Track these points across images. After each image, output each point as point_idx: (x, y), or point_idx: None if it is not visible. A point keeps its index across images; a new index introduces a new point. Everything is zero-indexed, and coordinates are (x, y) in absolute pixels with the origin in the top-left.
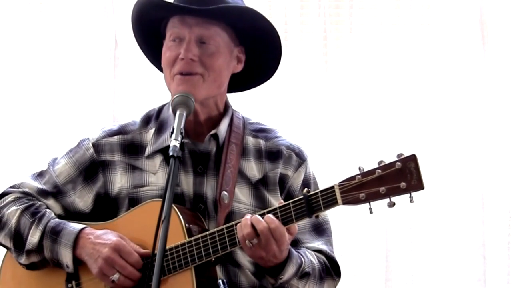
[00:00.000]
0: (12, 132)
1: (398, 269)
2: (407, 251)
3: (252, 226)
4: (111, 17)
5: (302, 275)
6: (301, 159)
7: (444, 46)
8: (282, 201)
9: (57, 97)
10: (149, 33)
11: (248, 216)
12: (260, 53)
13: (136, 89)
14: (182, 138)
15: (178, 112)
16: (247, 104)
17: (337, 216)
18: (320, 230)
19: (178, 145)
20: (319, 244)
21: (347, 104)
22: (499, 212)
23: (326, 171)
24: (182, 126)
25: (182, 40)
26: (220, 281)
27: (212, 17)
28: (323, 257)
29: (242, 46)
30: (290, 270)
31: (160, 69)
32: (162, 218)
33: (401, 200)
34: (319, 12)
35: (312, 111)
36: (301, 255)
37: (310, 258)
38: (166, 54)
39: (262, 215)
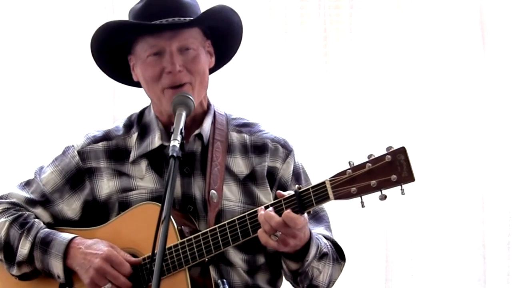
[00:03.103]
0: (12, 132)
1: (398, 269)
2: (407, 251)
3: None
4: (111, 17)
5: (321, 256)
6: (288, 150)
7: (444, 46)
8: (271, 197)
9: (57, 97)
10: (113, 52)
11: (262, 211)
12: (224, 42)
13: (136, 89)
14: (183, 138)
15: (177, 112)
16: (246, 104)
17: (337, 217)
18: (318, 217)
19: (178, 145)
20: (321, 230)
21: (347, 103)
22: (499, 212)
23: (326, 170)
24: (181, 126)
25: (163, 53)
26: (220, 281)
27: (188, 26)
28: (329, 242)
29: (209, 39)
30: (312, 250)
31: (122, 81)
32: (162, 218)
33: (401, 200)
34: (319, 12)
35: (312, 111)
36: (316, 236)
37: (323, 240)
38: (148, 70)
39: (254, 212)
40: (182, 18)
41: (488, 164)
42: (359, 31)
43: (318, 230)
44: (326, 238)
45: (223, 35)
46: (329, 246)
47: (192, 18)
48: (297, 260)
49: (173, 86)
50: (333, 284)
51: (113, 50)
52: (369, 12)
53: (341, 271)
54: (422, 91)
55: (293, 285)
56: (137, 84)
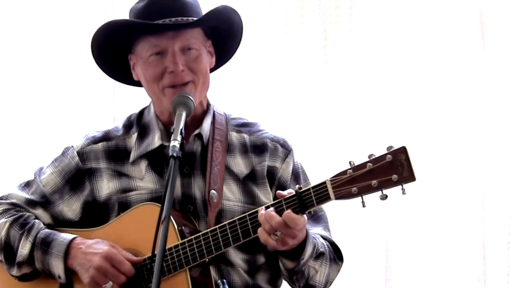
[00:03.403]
0: (12, 132)
1: (398, 269)
2: (407, 251)
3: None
4: (111, 17)
5: (317, 255)
6: (287, 150)
7: (444, 46)
8: (271, 196)
9: (57, 97)
10: (113, 52)
11: (263, 211)
12: (224, 41)
13: (136, 89)
14: (182, 138)
15: (177, 112)
16: (246, 104)
17: (337, 216)
18: (317, 217)
19: (178, 145)
20: (319, 230)
21: (347, 103)
22: (499, 212)
23: (327, 169)
24: (181, 126)
25: (165, 53)
26: (220, 281)
27: (191, 26)
28: (327, 242)
29: (210, 39)
30: (308, 249)
31: (121, 81)
32: (162, 218)
33: (401, 199)
34: (319, 12)
35: (312, 111)
36: (313, 236)
37: (320, 239)
38: (149, 70)
39: (255, 212)
40: (185, 18)
41: (488, 164)
42: (359, 31)
43: (316, 230)
44: (324, 238)
45: (224, 35)
46: (326, 246)
47: (195, 19)
48: (293, 258)
49: (174, 85)
50: (330, 284)
51: (113, 49)
52: (369, 12)
53: (338, 271)
54: (422, 91)
55: (290, 285)
56: (137, 83)
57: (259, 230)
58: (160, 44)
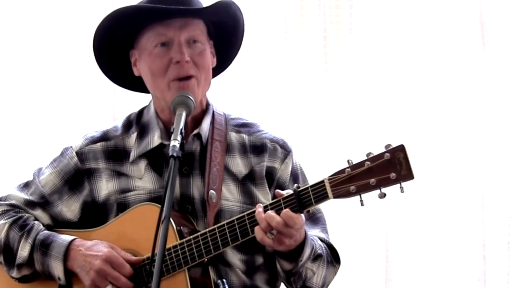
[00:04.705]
0: (12, 132)
1: (398, 269)
2: (407, 251)
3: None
4: None
5: (315, 257)
6: (286, 150)
7: (444, 46)
8: (270, 197)
9: (57, 97)
10: (114, 48)
11: (260, 209)
12: (225, 43)
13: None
14: (182, 138)
15: (177, 112)
16: (246, 104)
17: (336, 216)
18: (315, 219)
19: (178, 145)
20: (316, 232)
21: (347, 103)
22: (499, 212)
23: (326, 168)
24: (181, 126)
25: (171, 43)
26: (220, 281)
27: (198, 16)
28: (325, 244)
29: (212, 40)
30: (307, 251)
31: (118, 83)
32: (162, 218)
33: (401, 199)
34: (319, 12)
35: (312, 111)
36: (311, 237)
37: (318, 241)
38: (155, 61)
39: (253, 212)
40: (193, 9)
41: (488, 164)
42: (359, 31)
43: (314, 232)
44: (322, 240)
45: (227, 34)
46: (323, 248)
47: (205, 7)
48: (291, 260)
49: (180, 78)
50: (327, 286)
51: (114, 45)
52: (369, 12)
53: (335, 274)
54: (422, 90)
55: (286, 286)
56: (131, 87)
57: (256, 228)
58: (167, 33)
